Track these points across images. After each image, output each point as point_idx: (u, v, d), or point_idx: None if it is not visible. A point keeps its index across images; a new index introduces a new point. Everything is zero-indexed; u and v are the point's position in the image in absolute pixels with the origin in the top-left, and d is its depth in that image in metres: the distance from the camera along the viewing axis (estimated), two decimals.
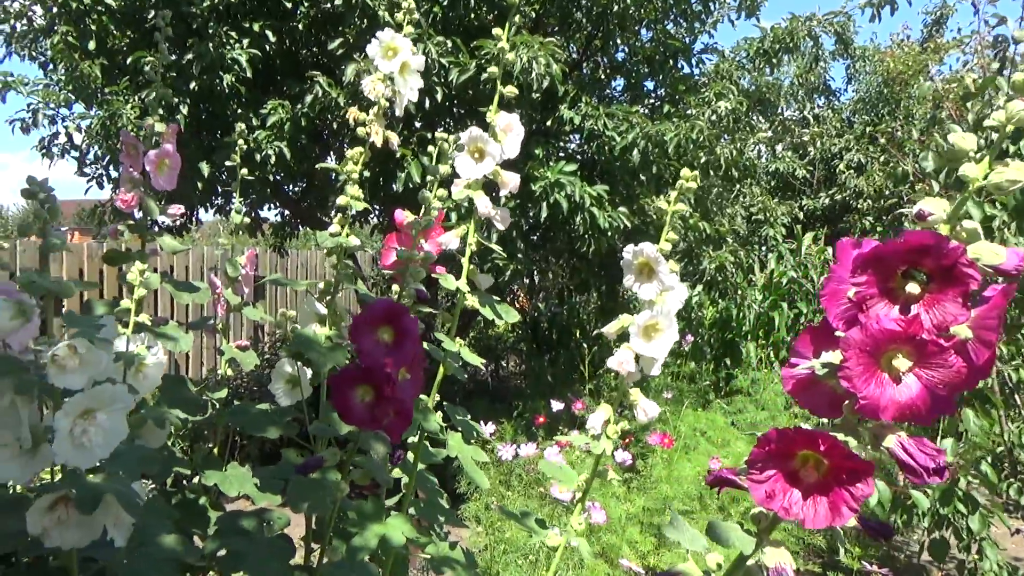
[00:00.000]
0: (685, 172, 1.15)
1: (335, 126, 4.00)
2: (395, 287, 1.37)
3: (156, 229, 1.51)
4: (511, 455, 3.21)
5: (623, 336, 1.20)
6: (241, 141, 1.66)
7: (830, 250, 6.74)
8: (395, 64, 1.42)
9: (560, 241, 4.11)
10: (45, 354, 0.88)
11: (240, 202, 1.72)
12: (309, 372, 1.41)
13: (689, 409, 4.23)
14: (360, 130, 1.43)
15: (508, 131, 1.36)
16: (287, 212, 5.45)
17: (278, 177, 4.18)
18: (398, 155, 3.59)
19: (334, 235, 1.39)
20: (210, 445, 1.63)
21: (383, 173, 4.01)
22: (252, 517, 1.40)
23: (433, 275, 1.37)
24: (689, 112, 3.69)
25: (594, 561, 2.61)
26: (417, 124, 4.08)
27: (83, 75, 3.35)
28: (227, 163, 1.76)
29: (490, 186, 1.41)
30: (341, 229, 1.40)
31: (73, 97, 3.77)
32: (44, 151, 4.60)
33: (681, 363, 4.95)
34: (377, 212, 5.27)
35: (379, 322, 0.94)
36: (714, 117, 3.54)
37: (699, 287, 4.69)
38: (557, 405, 3.92)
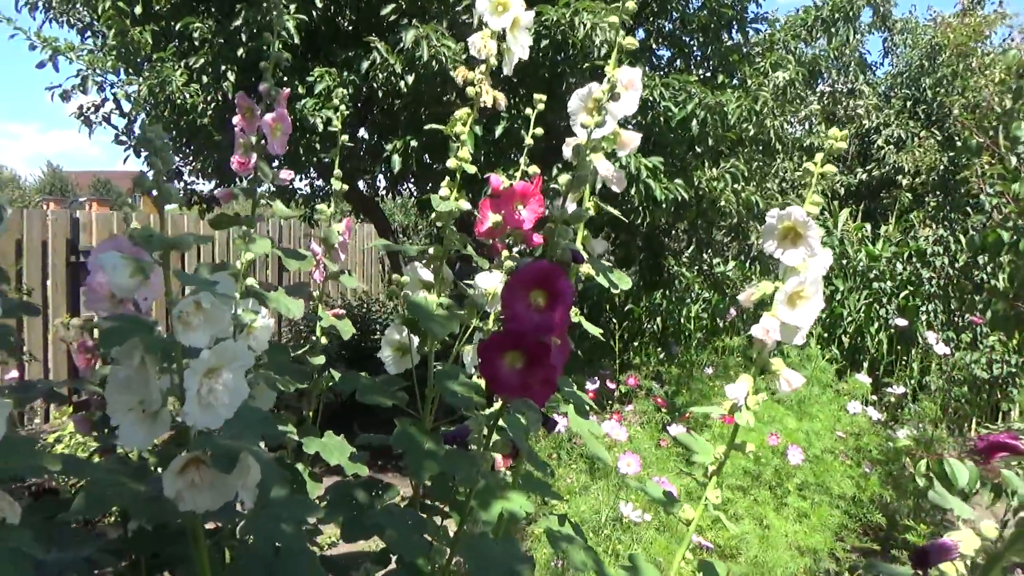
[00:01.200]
0: (834, 132, 1.09)
1: (380, 94, 3.93)
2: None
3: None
4: (563, 428, 3.19)
5: (761, 304, 1.15)
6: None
7: (868, 226, 6.63)
8: (506, 20, 1.36)
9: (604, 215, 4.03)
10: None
11: (338, 169, 1.67)
12: (416, 339, 1.38)
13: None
14: (469, 90, 1.38)
15: (630, 87, 1.30)
16: (321, 181, 5.42)
17: (316, 146, 4.13)
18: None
19: (445, 199, 1.34)
20: (306, 412, 1.61)
21: (430, 142, 3.95)
22: (362, 487, 1.37)
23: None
24: (746, 83, 3.59)
25: (667, 539, 2.59)
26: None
27: (133, 41, 3.29)
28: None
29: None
30: (451, 193, 1.36)
31: (121, 64, 3.71)
32: (83, 119, 4.57)
33: (724, 337, 4.90)
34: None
35: (532, 284, 0.89)
36: (772, 88, 3.45)
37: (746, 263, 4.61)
38: (590, 384, 3.89)
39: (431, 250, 1.36)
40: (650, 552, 2.45)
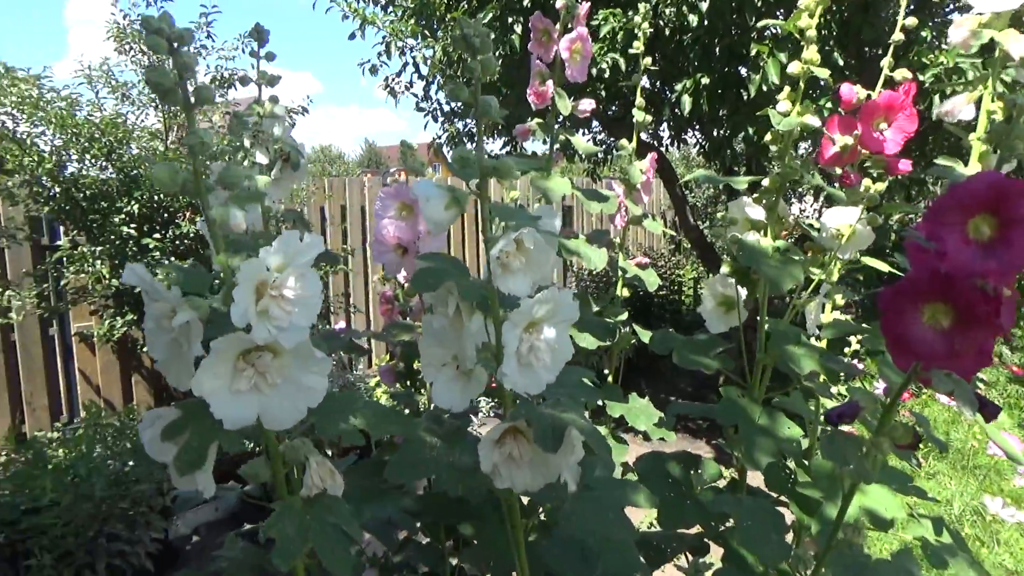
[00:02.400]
0: None
1: (667, 31, 3.63)
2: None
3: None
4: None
5: None
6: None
7: None
8: None
9: None
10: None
11: (640, 97, 1.48)
12: (744, 292, 1.13)
13: None
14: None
15: None
16: (605, 134, 5.28)
17: (601, 93, 3.97)
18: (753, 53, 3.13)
19: (784, 113, 1.06)
20: (606, 372, 1.46)
21: (722, 80, 3.58)
22: (675, 461, 1.18)
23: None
24: None
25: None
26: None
27: (429, 3, 3.41)
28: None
29: None
30: (792, 107, 1.07)
31: (419, 28, 3.90)
32: (388, 90, 4.95)
33: None
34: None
35: (975, 207, 0.60)
36: None
37: None
38: None
39: (765, 181, 1.09)
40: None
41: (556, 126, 1.28)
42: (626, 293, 1.43)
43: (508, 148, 4.91)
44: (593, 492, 0.86)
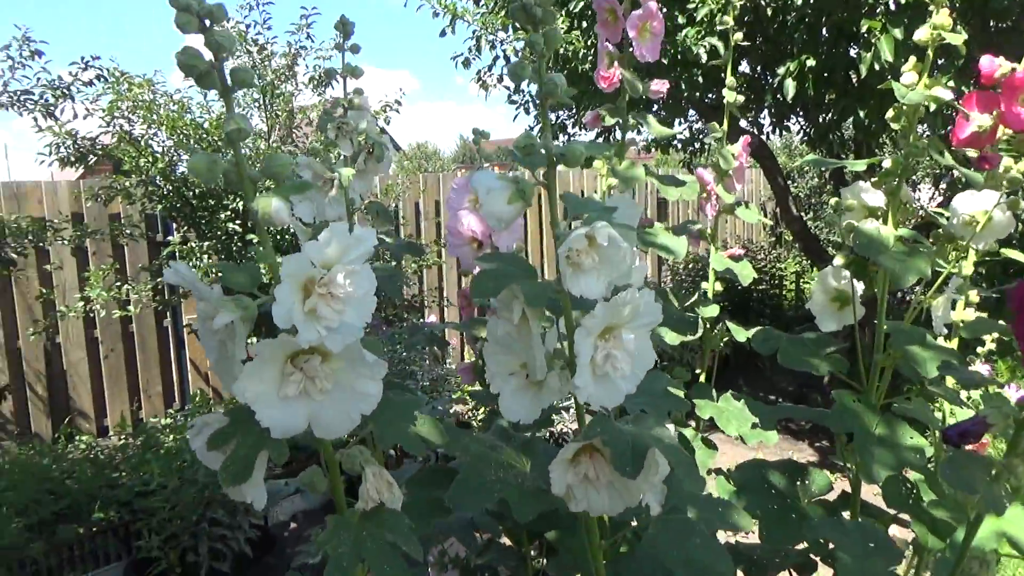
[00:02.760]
0: None
1: (769, 12, 3.44)
2: None
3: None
4: None
5: None
6: None
7: None
8: None
9: None
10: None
11: (731, 76, 1.37)
12: (860, 286, 1.02)
13: None
14: None
15: None
16: (702, 123, 5.09)
17: (698, 80, 3.80)
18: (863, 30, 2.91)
19: (910, 85, 0.94)
20: (696, 371, 1.37)
21: (829, 62, 3.35)
22: (778, 470, 1.08)
23: None
24: None
25: None
26: None
27: None
28: None
29: None
30: (919, 77, 0.95)
31: (509, 20, 3.88)
32: (480, 83, 4.94)
33: None
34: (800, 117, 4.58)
35: None
36: None
37: None
38: None
39: (886, 163, 0.98)
40: None
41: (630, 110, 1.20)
42: (719, 287, 1.33)
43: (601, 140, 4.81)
44: (680, 514, 0.79)
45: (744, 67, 4.58)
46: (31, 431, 3.79)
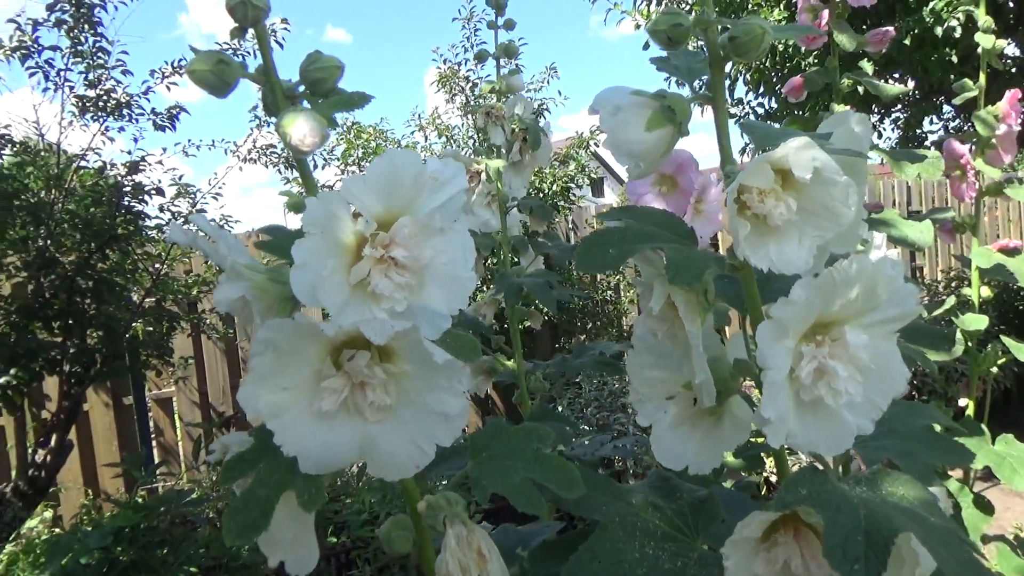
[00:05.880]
0: None
1: None
2: None
3: None
4: None
5: None
6: None
7: None
8: None
9: None
10: None
11: (989, 19, 1.05)
12: None
13: None
14: None
15: None
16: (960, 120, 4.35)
17: (952, 60, 3.19)
18: None
19: None
20: (962, 404, 1.03)
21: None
22: None
23: None
24: None
25: None
26: None
27: None
28: None
29: None
30: None
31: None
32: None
33: None
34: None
35: None
36: None
37: None
38: None
39: None
40: None
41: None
42: (986, 292, 0.99)
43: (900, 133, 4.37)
44: None
45: (1011, 47, 3.82)
46: None
